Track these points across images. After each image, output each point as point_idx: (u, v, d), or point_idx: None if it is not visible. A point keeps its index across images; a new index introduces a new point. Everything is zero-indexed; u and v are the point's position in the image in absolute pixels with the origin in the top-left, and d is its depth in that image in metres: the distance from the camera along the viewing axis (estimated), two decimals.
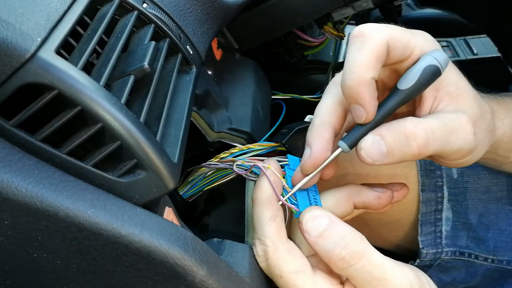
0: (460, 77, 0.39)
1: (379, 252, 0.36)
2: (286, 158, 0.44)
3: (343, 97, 0.36)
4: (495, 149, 0.44)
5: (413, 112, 0.40)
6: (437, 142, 0.35)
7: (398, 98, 0.36)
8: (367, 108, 0.35)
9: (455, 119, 0.36)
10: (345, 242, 0.35)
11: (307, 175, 0.38)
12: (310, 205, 0.39)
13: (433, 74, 0.36)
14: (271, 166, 0.40)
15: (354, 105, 0.35)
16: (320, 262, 0.38)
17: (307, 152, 0.38)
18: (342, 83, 0.35)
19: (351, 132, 0.37)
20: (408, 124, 0.35)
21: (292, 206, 0.39)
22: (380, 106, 0.36)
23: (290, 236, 0.41)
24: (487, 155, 0.46)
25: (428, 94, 0.38)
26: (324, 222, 0.36)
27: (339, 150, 0.37)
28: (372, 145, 0.35)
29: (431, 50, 0.36)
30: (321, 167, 0.38)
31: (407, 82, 0.36)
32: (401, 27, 0.36)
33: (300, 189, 0.40)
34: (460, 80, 0.39)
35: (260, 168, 0.40)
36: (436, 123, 0.36)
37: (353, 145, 0.36)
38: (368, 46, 0.34)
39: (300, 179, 0.39)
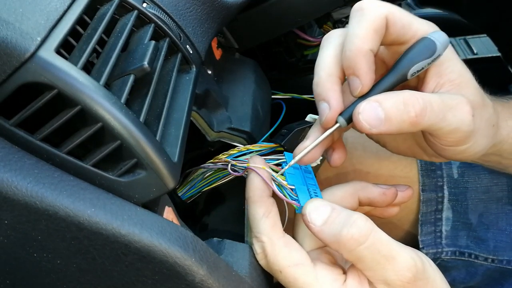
0: (464, 68, 0.39)
1: (383, 231, 0.36)
2: (283, 156, 0.44)
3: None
4: (499, 150, 0.44)
5: None
6: (434, 114, 0.35)
7: (394, 73, 0.36)
8: (363, 79, 0.35)
9: (454, 98, 0.36)
10: (352, 220, 0.35)
11: (326, 129, 0.37)
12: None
13: (428, 48, 0.35)
14: (255, 163, 0.40)
15: (351, 77, 0.36)
16: (321, 254, 0.38)
17: (324, 107, 0.37)
18: (343, 54, 0.36)
19: (349, 107, 0.36)
20: (406, 93, 0.35)
21: (293, 202, 0.39)
22: (377, 83, 0.36)
23: (293, 233, 0.41)
24: (492, 158, 0.45)
25: (431, 79, 0.38)
26: (327, 210, 0.36)
27: (336, 125, 0.37)
28: (370, 110, 0.34)
29: (432, 32, 0.36)
30: (319, 140, 0.37)
31: (401, 56, 0.36)
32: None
33: (300, 185, 0.40)
34: (463, 70, 0.39)
35: (249, 168, 0.40)
36: (434, 96, 0.36)
37: (350, 119, 0.36)
38: (367, 19, 0.35)
39: (303, 150, 0.38)
